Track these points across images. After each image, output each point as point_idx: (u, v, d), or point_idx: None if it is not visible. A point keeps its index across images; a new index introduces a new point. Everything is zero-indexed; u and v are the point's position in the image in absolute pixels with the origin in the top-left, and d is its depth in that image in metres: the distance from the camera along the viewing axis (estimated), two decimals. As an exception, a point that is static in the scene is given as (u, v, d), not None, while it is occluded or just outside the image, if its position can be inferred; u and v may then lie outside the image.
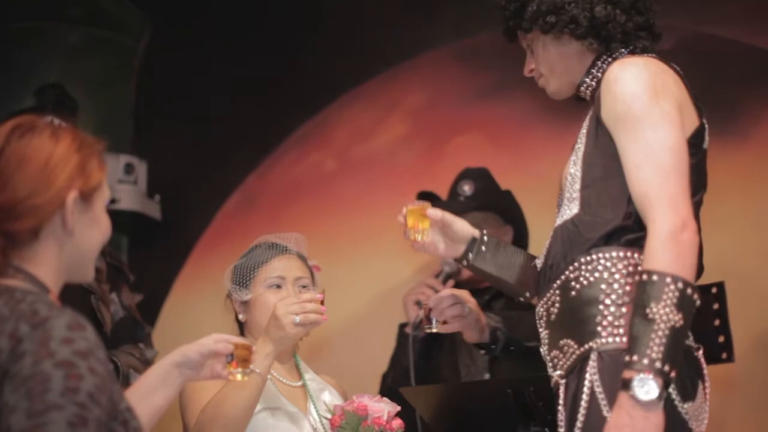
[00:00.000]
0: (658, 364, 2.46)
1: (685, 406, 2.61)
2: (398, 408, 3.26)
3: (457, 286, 4.22)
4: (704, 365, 2.71)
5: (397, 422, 3.25)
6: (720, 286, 2.92)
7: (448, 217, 3.04)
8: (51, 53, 5.34)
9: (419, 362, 4.05)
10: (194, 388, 3.26)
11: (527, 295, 3.03)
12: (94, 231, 2.28)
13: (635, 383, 2.46)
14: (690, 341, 2.69)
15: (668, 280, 2.50)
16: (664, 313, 2.49)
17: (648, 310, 2.49)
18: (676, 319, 2.49)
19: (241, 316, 3.47)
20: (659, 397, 2.46)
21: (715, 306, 2.92)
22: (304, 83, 5.24)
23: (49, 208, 2.19)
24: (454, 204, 4.35)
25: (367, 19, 5.13)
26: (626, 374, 2.48)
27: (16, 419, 1.95)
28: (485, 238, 3.04)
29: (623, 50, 2.83)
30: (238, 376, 2.73)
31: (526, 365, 3.47)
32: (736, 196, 4.41)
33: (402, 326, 4.34)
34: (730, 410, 4.20)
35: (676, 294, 2.50)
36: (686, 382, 2.63)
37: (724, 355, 2.90)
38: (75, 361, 1.99)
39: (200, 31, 5.44)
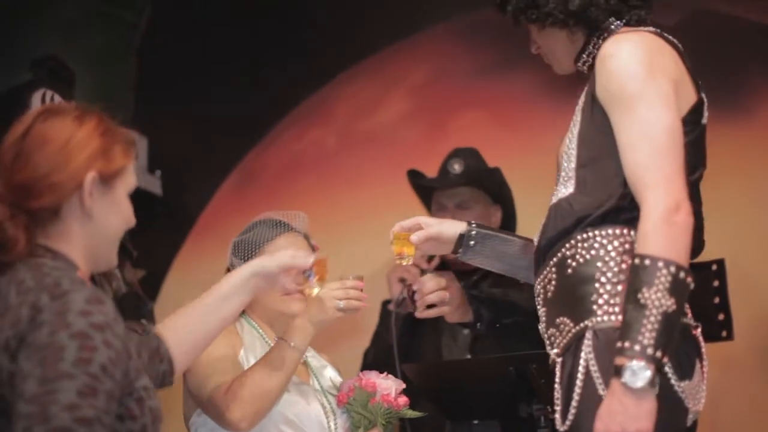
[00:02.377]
0: (650, 351, 2.44)
1: (682, 384, 2.59)
2: (404, 385, 3.26)
3: (444, 264, 4.23)
4: (702, 343, 2.69)
5: (403, 399, 3.25)
6: (720, 263, 2.90)
7: (433, 230, 3.03)
8: (52, 28, 5.32)
9: (402, 340, 4.04)
10: (210, 358, 3.23)
11: (522, 277, 3.04)
12: (114, 216, 2.32)
13: (627, 370, 2.44)
14: (688, 319, 2.68)
15: (660, 264, 2.48)
16: (656, 298, 2.46)
17: (640, 296, 2.47)
18: (669, 304, 2.47)
19: None
20: (651, 384, 2.45)
21: (716, 283, 2.90)
22: (305, 60, 5.22)
23: (67, 186, 2.21)
24: (443, 180, 4.35)
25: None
26: (618, 361, 2.46)
27: (29, 385, 1.99)
28: (472, 231, 3.03)
29: (618, 23, 2.81)
30: (314, 291, 2.93)
31: (507, 344, 3.47)
32: (739, 175, 4.40)
33: (385, 303, 4.34)
34: (728, 388, 4.20)
35: (669, 279, 2.47)
36: (683, 360, 2.61)
37: (724, 333, 2.88)
38: (90, 333, 2.02)
39: (200, 8, 5.42)
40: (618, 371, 2.45)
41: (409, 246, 3.03)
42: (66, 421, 1.96)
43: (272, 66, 5.27)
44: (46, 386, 1.97)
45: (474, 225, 3.04)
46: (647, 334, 2.45)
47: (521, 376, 3.14)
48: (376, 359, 4.12)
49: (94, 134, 2.28)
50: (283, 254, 2.79)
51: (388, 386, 3.22)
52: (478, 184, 4.32)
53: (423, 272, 4.12)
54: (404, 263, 3.09)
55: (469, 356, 4.07)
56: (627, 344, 2.46)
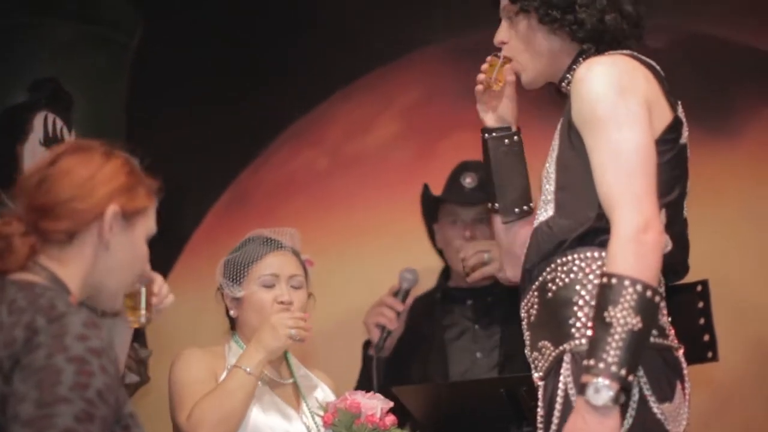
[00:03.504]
0: (614, 369, 2.45)
1: (662, 406, 2.60)
2: (391, 404, 3.27)
3: (459, 288, 4.23)
4: (684, 365, 2.70)
5: (390, 418, 3.26)
6: (704, 284, 2.91)
7: (510, 90, 3.03)
8: (44, 49, 5.33)
9: (384, 383, 4.02)
10: (184, 382, 3.28)
11: (495, 206, 3.04)
12: (130, 254, 2.33)
13: (590, 388, 2.46)
14: (669, 341, 2.69)
15: (626, 283, 2.49)
16: (622, 316, 2.47)
17: (606, 314, 2.49)
18: (634, 322, 2.48)
19: (232, 312, 3.48)
20: (614, 402, 2.46)
21: (700, 304, 2.92)
22: (297, 80, 5.23)
23: (87, 214, 2.24)
24: (458, 196, 4.34)
25: (361, 16, 5.13)
26: (583, 378, 2.49)
27: (25, 408, 1.99)
28: (515, 137, 3.05)
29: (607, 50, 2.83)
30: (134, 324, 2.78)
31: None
32: (728, 195, 4.42)
33: (366, 345, 4.30)
34: (714, 409, 4.21)
35: (635, 297, 2.48)
36: (663, 382, 2.62)
37: (709, 354, 2.90)
38: (88, 357, 2.03)
39: (193, 28, 5.43)
40: (582, 389, 2.48)
41: (501, 73, 2.98)
42: None
43: (264, 87, 5.28)
44: (43, 410, 1.97)
45: (520, 134, 3.06)
46: (612, 352, 2.46)
47: (512, 399, 3.15)
48: None
49: (121, 171, 2.32)
50: None
51: (373, 406, 3.24)
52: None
53: (398, 315, 4.10)
54: (496, 88, 3.02)
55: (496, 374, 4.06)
56: (592, 362, 2.48)
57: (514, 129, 3.06)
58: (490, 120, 3.07)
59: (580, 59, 2.82)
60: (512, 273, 3.01)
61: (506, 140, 3.04)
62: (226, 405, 3.19)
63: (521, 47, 2.89)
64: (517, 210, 3.02)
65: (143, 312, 2.72)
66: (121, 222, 2.29)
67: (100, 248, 2.26)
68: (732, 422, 4.31)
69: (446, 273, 4.43)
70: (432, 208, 4.46)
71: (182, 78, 5.42)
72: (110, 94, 5.48)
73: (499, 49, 2.96)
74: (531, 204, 3.02)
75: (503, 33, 2.93)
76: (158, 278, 2.80)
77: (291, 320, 3.31)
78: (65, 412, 1.97)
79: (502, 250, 3.09)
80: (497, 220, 3.06)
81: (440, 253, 4.47)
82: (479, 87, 3.05)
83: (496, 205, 3.04)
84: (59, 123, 3.46)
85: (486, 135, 3.07)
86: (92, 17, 5.42)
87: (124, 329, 2.80)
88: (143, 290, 2.70)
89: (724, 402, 4.26)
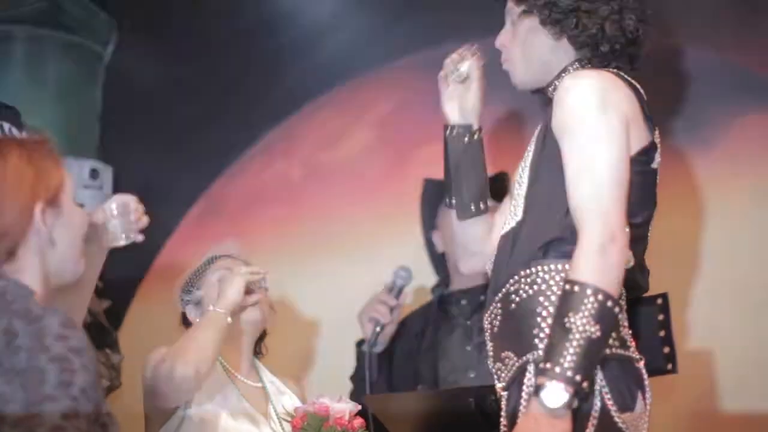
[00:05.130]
0: (569, 373, 2.49)
1: (623, 416, 2.63)
2: (359, 407, 3.29)
3: (455, 292, 4.25)
4: (645, 376, 2.73)
5: (359, 421, 3.29)
6: (664, 297, 2.94)
7: (475, 84, 3.06)
8: (17, 57, 5.32)
9: (378, 380, 4.07)
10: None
11: (451, 201, 3.06)
12: (71, 229, 2.33)
13: (545, 390, 2.49)
14: (631, 352, 2.72)
15: (589, 291, 2.52)
16: (581, 324, 2.51)
17: (566, 320, 2.52)
18: (593, 330, 2.51)
19: (194, 317, 3.54)
20: (567, 406, 2.49)
21: (660, 317, 2.94)
22: (271, 90, 5.24)
23: (18, 228, 2.22)
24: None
25: (334, 28, 5.13)
26: (539, 380, 2.52)
27: (12, 409, 2.01)
28: (475, 136, 3.08)
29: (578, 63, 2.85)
30: None
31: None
32: (697, 206, 4.43)
33: (359, 344, 4.35)
34: (673, 421, 4.23)
35: (595, 306, 2.52)
36: (625, 392, 2.65)
37: (669, 366, 2.92)
38: (69, 356, 2.06)
39: (166, 38, 5.43)
40: (537, 390, 2.50)
41: (465, 64, 3.05)
42: None
43: (237, 97, 5.29)
44: (30, 410, 1.99)
45: (480, 132, 3.09)
46: (569, 357, 2.49)
47: (481, 408, 3.16)
48: (353, 397, 4.13)
49: (22, 164, 2.27)
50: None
51: (341, 409, 3.26)
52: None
53: (392, 310, 4.14)
54: (460, 69, 3.07)
55: (472, 375, 4.08)
56: (549, 365, 2.50)
57: (476, 127, 3.07)
58: (452, 114, 3.10)
59: (570, 69, 2.84)
60: (466, 268, 3.04)
61: (466, 138, 3.07)
62: (199, 339, 3.29)
63: (519, 49, 2.92)
64: (473, 208, 3.04)
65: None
66: (50, 211, 2.27)
67: (46, 246, 2.26)
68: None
69: (442, 282, 4.44)
70: (432, 210, 4.49)
71: (155, 88, 5.41)
72: (83, 103, 5.48)
73: (474, 43, 3.01)
74: (488, 203, 3.06)
75: (504, 35, 2.96)
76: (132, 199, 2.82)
77: (246, 268, 3.48)
78: (52, 409, 2.00)
79: (456, 245, 3.12)
80: (453, 216, 3.09)
81: (438, 258, 4.50)
82: (442, 73, 3.07)
83: (453, 201, 3.06)
84: (6, 125, 3.43)
85: (447, 131, 3.08)
86: (67, 25, 5.41)
87: (99, 253, 2.78)
88: None
89: (684, 412, 4.28)
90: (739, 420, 4.12)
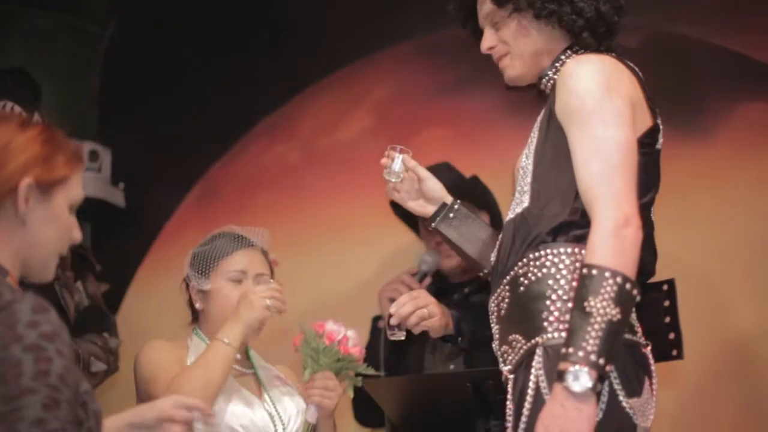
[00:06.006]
0: (593, 357, 2.48)
1: (630, 401, 2.63)
2: (357, 338, 3.41)
3: (438, 278, 4.25)
4: (652, 361, 2.74)
5: (356, 349, 3.38)
6: (671, 283, 2.94)
7: (422, 171, 3.08)
8: (16, 38, 5.32)
9: (391, 356, 4.06)
10: (156, 365, 3.31)
11: (486, 271, 3.06)
12: (51, 227, 2.27)
13: (569, 375, 2.49)
14: (638, 337, 2.73)
15: (607, 274, 2.52)
16: (602, 306, 2.51)
17: (586, 304, 2.51)
18: (614, 313, 2.51)
19: (198, 305, 3.50)
20: (593, 390, 2.49)
21: (666, 303, 2.94)
22: (270, 74, 5.23)
23: (0, 188, 2.18)
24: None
25: (333, 13, 5.13)
26: (561, 366, 2.51)
27: None
28: (456, 206, 3.09)
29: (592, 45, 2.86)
30: None
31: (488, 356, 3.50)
32: (699, 194, 4.44)
33: (376, 319, 4.34)
34: (680, 406, 4.24)
35: (615, 288, 2.52)
36: (632, 377, 2.66)
37: (674, 352, 2.92)
38: (43, 344, 2.00)
39: (166, 21, 5.43)
40: (561, 375, 2.50)
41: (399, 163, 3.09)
42: None
43: (236, 80, 5.29)
44: (10, 404, 1.95)
45: (459, 202, 3.10)
46: (591, 341, 2.49)
47: (478, 393, 3.17)
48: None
49: (36, 141, 2.23)
50: (164, 403, 2.51)
51: (338, 329, 3.35)
52: (461, 197, 4.34)
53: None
54: (392, 180, 3.09)
55: (452, 367, 4.08)
56: (571, 350, 2.50)
57: (448, 202, 3.09)
58: (424, 208, 3.12)
59: (562, 57, 2.84)
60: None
61: (450, 215, 3.08)
62: (206, 374, 3.23)
63: (508, 48, 2.91)
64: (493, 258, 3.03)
65: None
66: (37, 194, 2.22)
67: (17, 224, 2.21)
68: (696, 418, 4.33)
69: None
70: (414, 222, 4.48)
71: (155, 70, 5.41)
72: (82, 85, 5.48)
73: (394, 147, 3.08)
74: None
75: (489, 39, 2.95)
76: None
77: (267, 291, 3.35)
78: (32, 402, 1.96)
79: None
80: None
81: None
82: (387, 186, 3.12)
83: (485, 271, 3.06)
84: (17, 109, 3.42)
85: (432, 225, 3.10)
86: (66, 6, 5.41)
87: None
88: None
89: (689, 398, 4.29)
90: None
